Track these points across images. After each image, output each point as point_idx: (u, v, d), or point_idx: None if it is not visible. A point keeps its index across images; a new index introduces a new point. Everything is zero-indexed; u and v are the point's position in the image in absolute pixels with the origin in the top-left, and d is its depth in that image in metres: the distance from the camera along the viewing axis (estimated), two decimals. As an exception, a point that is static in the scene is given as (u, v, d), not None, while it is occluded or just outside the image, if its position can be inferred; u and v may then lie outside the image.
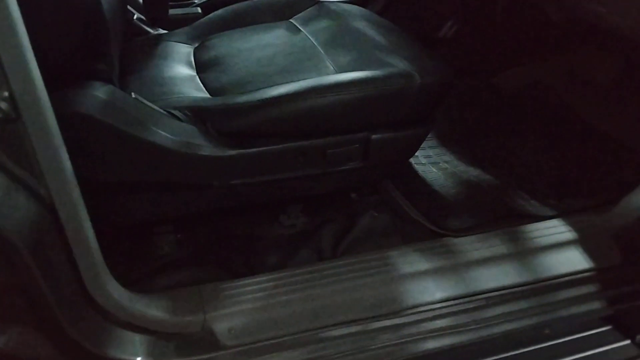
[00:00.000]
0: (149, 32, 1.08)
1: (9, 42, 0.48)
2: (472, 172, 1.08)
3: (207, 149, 0.72)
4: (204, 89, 0.87)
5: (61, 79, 0.64)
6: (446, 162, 1.16)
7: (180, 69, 0.94)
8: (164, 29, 1.10)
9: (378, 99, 0.77)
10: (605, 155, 1.10)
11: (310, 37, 0.98)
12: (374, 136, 0.79)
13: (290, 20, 1.09)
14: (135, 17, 1.07)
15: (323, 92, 0.75)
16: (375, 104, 0.77)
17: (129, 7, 1.08)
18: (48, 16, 0.59)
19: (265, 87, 0.80)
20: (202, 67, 0.95)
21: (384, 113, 0.79)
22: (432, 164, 1.15)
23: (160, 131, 0.68)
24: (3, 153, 0.51)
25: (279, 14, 1.12)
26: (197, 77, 0.92)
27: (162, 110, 0.73)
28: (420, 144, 0.89)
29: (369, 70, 0.81)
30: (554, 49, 1.29)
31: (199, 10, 1.20)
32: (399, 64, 0.82)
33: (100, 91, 0.66)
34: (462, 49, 1.33)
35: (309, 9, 1.12)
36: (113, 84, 0.72)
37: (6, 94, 0.49)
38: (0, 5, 0.46)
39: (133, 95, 0.71)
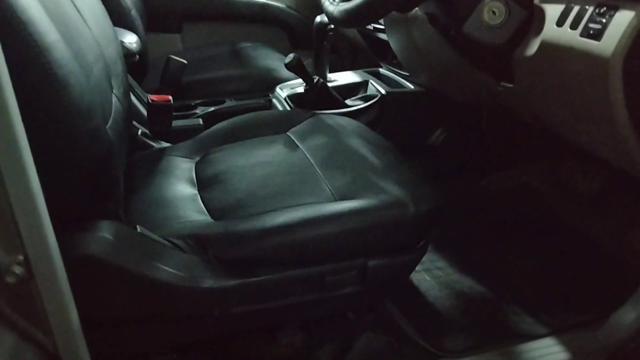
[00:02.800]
0: (152, 145, 1.12)
1: (27, 208, 0.51)
2: (465, 282, 1.10)
3: (209, 281, 0.74)
4: (205, 210, 0.90)
5: (68, 220, 0.66)
6: (439, 268, 1.18)
7: (182, 187, 0.98)
8: (167, 142, 1.15)
9: (373, 228, 0.80)
10: (594, 265, 1.13)
11: (307, 155, 1.03)
12: (370, 262, 0.82)
13: (288, 133, 1.14)
14: (139, 132, 1.12)
15: (320, 223, 0.79)
16: (370, 233, 0.81)
17: (134, 122, 1.14)
18: (60, 170, 0.62)
19: (265, 213, 0.84)
20: (203, 184, 0.99)
21: (380, 241, 0.82)
22: (426, 270, 1.17)
23: (164, 267, 0.70)
24: (14, 312, 0.53)
25: (277, 127, 1.17)
26: (199, 195, 0.95)
27: (165, 242, 0.76)
28: (416, 266, 0.92)
29: (364, 195, 0.85)
30: (539, 156, 1.35)
31: (201, 121, 1.26)
32: (392, 190, 0.86)
33: (107, 231, 0.68)
34: (451, 155, 1.39)
35: (305, 122, 1.17)
36: (119, 218, 0.75)
37: (21, 257, 0.51)
38: (19, 180, 0.49)
39: (138, 229, 0.74)
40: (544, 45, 0.85)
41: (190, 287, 0.72)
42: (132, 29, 1.29)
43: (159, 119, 1.11)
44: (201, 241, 0.79)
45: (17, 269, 0.51)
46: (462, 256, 1.21)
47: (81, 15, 0.92)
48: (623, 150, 0.82)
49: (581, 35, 0.77)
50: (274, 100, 1.40)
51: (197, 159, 1.09)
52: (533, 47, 0.88)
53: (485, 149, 1.41)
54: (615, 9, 0.73)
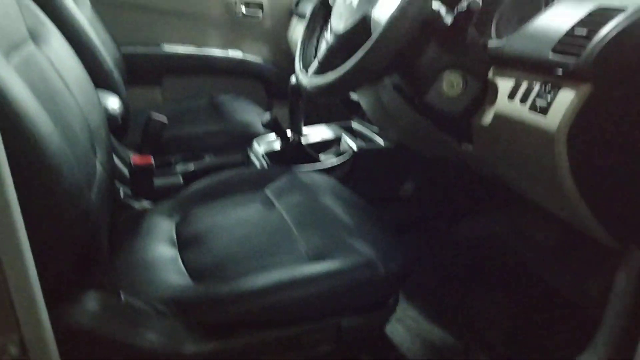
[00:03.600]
0: (134, 206, 1.16)
1: (24, 290, 0.55)
2: (436, 333, 1.16)
3: (192, 347, 0.77)
4: (185, 272, 0.94)
5: (56, 292, 0.70)
6: (412, 318, 1.23)
7: (163, 248, 1.02)
8: (148, 202, 1.19)
9: (346, 289, 0.86)
10: (558, 312, 1.20)
11: (283, 213, 1.08)
12: (344, 321, 0.87)
13: (265, 190, 1.20)
14: (122, 193, 1.16)
15: (296, 286, 0.84)
16: (343, 294, 0.86)
17: (116, 182, 1.18)
18: (49, 248, 0.66)
19: (243, 275, 0.88)
20: (183, 244, 1.03)
21: (352, 301, 0.87)
22: (399, 321, 1.22)
23: (149, 334, 0.74)
24: (7, 390, 0.56)
25: (254, 184, 1.23)
26: (179, 256, 1.00)
27: (148, 308, 0.79)
28: (388, 321, 0.97)
29: (336, 256, 0.91)
30: (503, 204, 1.43)
31: (181, 179, 1.31)
32: (363, 250, 0.92)
33: (94, 302, 0.72)
34: (420, 205, 1.46)
35: (281, 178, 1.23)
36: (104, 286, 0.78)
37: (16, 337, 0.55)
38: (17, 264, 0.53)
39: (122, 297, 0.78)
40: (497, 116, 0.93)
41: (174, 353, 0.75)
42: (114, 89, 1.35)
43: (140, 180, 1.16)
44: (182, 305, 0.83)
45: (13, 349, 0.54)
46: (433, 305, 1.26)
47: (67, 86, 0.97)
48: (573, 213, 0.90)
49: (530, 109, 0.86)
50: (252, 156, 1.46)
51: (178, 218, 1.14)
52: (488, 117, 0.96)
53: (452, 199, 1.48)
54: (559, 87, 0.82)
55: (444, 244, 1.46)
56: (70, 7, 1.30)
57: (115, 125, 1.23)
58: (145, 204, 1.19)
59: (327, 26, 1.14)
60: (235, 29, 2.08)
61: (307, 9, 1.92)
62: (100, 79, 1.31)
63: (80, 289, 0.74)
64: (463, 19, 0.86)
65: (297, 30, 2.02)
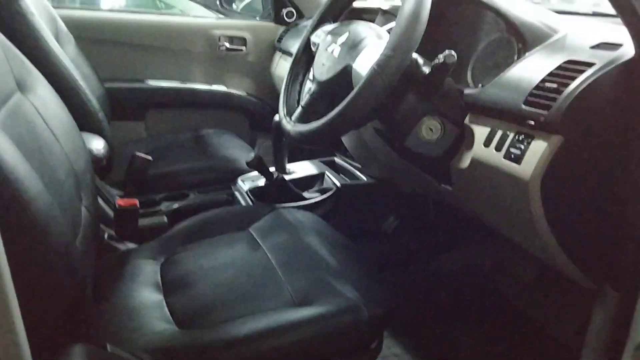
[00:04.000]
0: (118, 248, 1.16)
1: (12, 350, 0.55)
2: (421, 370, 1.17)
3: (177, 398, 0.78)
4: (170, 318, 0.95)
5: (41, 347, 0.70)
6: (396, 356, 1.24)
7: (148, 293, 1.02)
8: (133, 243, 1.20)
9: (330, 335, 0.87)
10: (538, 346, 1.22)
11: (268, 255, 1.10)
12: (330, 367, 0.88)
13: (250, 230, 1.21)
14: (106, 235, 1.17)
15: (281, 333, 0.85)
16: (328, 339, 0.87)
17: (101, 225, 1.18)
18: (36, 303, 0.67)
19: (229, 322, 0.89)
20: (168, 288, 1.04)
21: (337, 345, 0.89)
22: (383, 358, 1.23)
23: (135, 389, 0.74)
24: None
25: (239, 223, 1.24)
26: (164, 301, 1.00)
27: (135, 359, 0.80)
28: None
29: (321, 300, 0.92)
30: (484, 238, 1.46)
31: (165, 219, 1.31)
32: (348, 294, 0.93)
33: (80, 357, 0.72)
34: (402, 240, 1.49)
35: (266, 217, 1.25)
36: (90, 338, 0.79)
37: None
38: (7, 329, 0.53)
39: (109, 348, 0.78)
40: (474, 162, 0.97)
41: (160, 404, 0.76)
42: (98, 130, 1.36)
43: (125, 222, 1.16)
44: (169, 353, 0.83)
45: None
46: (417, 340, 1.28)
47: (53, 134, 0.98)
48: (548, 254, 0.93)
49: (504, 157, 0.89)
50: (236, 194, 1.47)
51: (163, 260, 1.14)
52: (466, 161, 0.99)
53: (434, 233, 1.51)
54: (532, 137, 0.86)
55: (426, 279, 1.49)
56: (56, 51, 1.31)
57: (100, 166, 1.23)
58: (130, 245, 1.19)
59: (309, 71, 1.17)
60: (219, 63, 2.11)
61: (290, 44, 1.97)
62: (85, 120, 1.32)
63: (66, 343, 0.74)
64: (440, 71, 0.90)
65: (280, 65, 2.06)
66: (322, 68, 1.01)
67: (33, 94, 0.98)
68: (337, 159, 1.64)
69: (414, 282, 1.48)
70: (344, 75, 0.95)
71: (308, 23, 2.00)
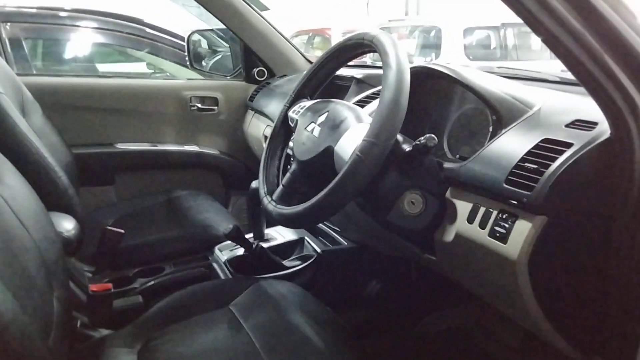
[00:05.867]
0: (92, 335, 1.10)
1: None
2: None
3: None
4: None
5: None
6: None
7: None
8: (107, 329, 1.14)
9: None
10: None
11: (252, 337, 1.06)
12: None
13: (230, 307, 1.17)
14: (79, 323, 1.11)
15: None
16: None
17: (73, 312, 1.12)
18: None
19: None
20: (148, 382, 0.98)
21: None
22: None
23: None
24: None
25: (218, 300, 1.19)
26: None
27: None
28: None
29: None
30: (468, 299, 1.46)
31: (140, 298, 1.26)
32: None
33: None
34: (386, 304, 1.46)
35: (246, 292, 1.21)
36: None
37: None
38: None
39: None
40: (458, 237, 0.96)
41: None
42: (68, 207, 1.31)
43: (99, 308, 1.11)
44: None
45: None
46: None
47: (23, 225, 0.94)
48: (535, 326, 0.92)
49: (489, 235, 0.89)
50: (214, 265, 1.43)
51: (139, 347, 1.08)
52: (449, 235, 0.99)
53: (417, 295, 1.50)
54: (516, 216, 0.86)
55: (411, 342, 1.46)
56: (23, 129, 1.27)
57: (71, 248, 1.18)
58: (104, 331, 1.13)
59: (287, 147, 1.16)
60: (191, 124, 2.09)
61: (262, 103, 1.97)
62: (54, 199, 1.27)
63: None
64: (420, 152, 0.90)
65: (252, 124, 2.05)
66: (303, 147, 1.00)
67: (1, 185, 0.94)
68: (315, 222, 1.62)
69: (399, 347, 1.45)
70: (326, 157, 0.94)
71: (279, 82, 2.04)
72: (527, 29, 0.75)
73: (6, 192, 0.94)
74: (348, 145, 0.90)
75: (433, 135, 0.86)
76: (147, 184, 2.03)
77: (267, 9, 2.97)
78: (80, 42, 3.09)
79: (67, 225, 1.18)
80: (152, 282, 1.41)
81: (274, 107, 1.83)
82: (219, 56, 2.51)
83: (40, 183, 1.25)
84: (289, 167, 1.18)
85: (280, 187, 1.03)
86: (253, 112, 2.06)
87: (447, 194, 1.00)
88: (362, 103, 1.28)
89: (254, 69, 2.09)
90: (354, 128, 0.93)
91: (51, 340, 0.84)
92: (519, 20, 0.75)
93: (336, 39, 8.38)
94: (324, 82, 1.15)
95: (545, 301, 0.88)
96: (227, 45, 2.37)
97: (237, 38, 2.04)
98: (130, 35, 2.92)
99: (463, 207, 0.96)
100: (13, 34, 2.57)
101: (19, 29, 2.63)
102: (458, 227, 0.97)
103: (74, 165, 1.73)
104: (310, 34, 9.06)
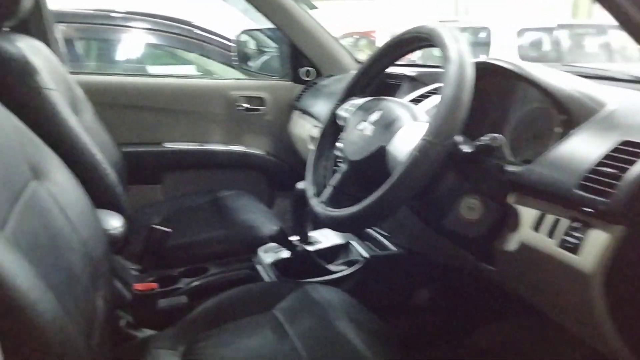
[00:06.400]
0: (136, 335, 1.09)
1: None
2: None
3: None
4: None
5: None
6: None
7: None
8: (150, 329, 1.12)
9: None
10: None
11: (296, 344, 1.01)
12: None
13: (274, 312, 1.13)
14: (122, 323, 1.10)
15: None
16: None
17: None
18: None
19: None
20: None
21: None
22: None
23: None
24: None
25: (262, 304, 1.16)
26: None
27: None
28: None
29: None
30: (522, 313, 1.37)
31: (185, 299, 1.24)
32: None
33: None
34: (436, 314, 1.39)
35: (291, 296, 1.17)
36: None
37: None
38: None
39: None
40: (522, 246, 0.89)
41: None
42: (116, 205, 1.31)
43: (144, 307, 1.09)
44: None
45: None
46: None
47: (70, 222, 0.93)
48: (606, 344, 0.84)
49: (558, 246, 0.81)
50: (258, 267, 1.40)
51: (183, 349, 1.06)
52: (512, 244, 0.92)
53: (468, 306, 1.42)
54: (589, 225, 0.78)
55: (461, 354, 1.38)
56: (73, 125, 1.28)
57: (117, 246, 1.17)
58: (148, 332, 1.12)
59: (336, 145, 1.11)
60: (237, 124, 2.08)
61: (309, 103, 1.93)
62: (102, 197, 1.27)
63: None
64: (483, 152, 0.83)
65: (298, 124, 2.02)
66: (354, 147, 0.95)
67: (49, 181, 0.94)
68: (362, 226, 1.56)
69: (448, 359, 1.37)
70: (378, 157, 0.89)
71: (326, 82, 2.00)
72: (583, 30, 0.67)
73: (54, 188, 0.94)
74: (403, 145, 0.84)
75: (498, 135, 0.80)
76: (193, 183, 2.03)
77: (315, 7, 2.94)
78: (130, 43, 3.16)
79: (114, 222, 1.17)
80: (197, 283, 1.39)
81: (321, 107, 1.79)
82: (267, 56, 2.50)
83: (88, 180, 1.25)
84: (337, 167, 1.14)
85: (330, 188, 0.98)
86: (299, 112, 2.02)
87: (509, 200, 0.93)
88: (414, 102, 1.22)
89: (301, 69, 2.06)
90: (409, 127, 0.87)
91: (94, 340, 0.83)
92: (575, 22, 0.67)
93: (382, 41, 8.30)
94: (376, 78, 1.10)
95: (620, 319, 0.80)
96: (275, 45, 2.35)
97: (285, 37, 2.02)
98: (179, 36, 2.95)
99: (527, 214, 0.89)
100: (67, 34, 2.64)
101: (73, 29, 2.70)
102: (522, 235, 0.89)
103: (122, 163, 1.74)
104: (356, 37, 9.01)
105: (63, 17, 2.67)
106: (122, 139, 1.82)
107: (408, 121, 0.88)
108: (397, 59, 1.05)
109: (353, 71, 2.00)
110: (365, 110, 0.99)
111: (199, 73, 3.29)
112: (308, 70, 2.06)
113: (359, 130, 0.96)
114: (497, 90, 1.14)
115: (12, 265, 0.60)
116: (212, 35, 3.12)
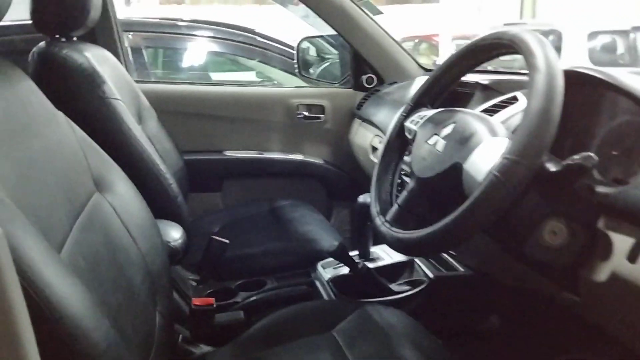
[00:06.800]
0: (193, 352, 1.07)
1: None
2: None
3: None
4: None
5: None
6: None
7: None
8: (208, 345, 1.10)
9: None
10: None
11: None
12: None
13: (334, 332, 1.08)
14: (180, 337, 1.08)
15: None
16: None
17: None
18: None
19: None
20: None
21: None
22: None
23: None
24: None
25: (321, 323, 1.11)
26: None
27: None
28: None
29: None
30: (602, 345, 1.24)
31: (242, 314, 1.21)
32: None
33: None
34: (508, 341, 1.29)
35: (351, 317, 1.11)
36: None
37: None
38: None
39: None
40: (614, 278, 0.79)
41: None
42: (177, 215, 1.30)
43: (201, 322, 1.07)
44: None
45: None
46: None
47: (131, 235, 0.92)
48: None
49: (663, 282, 0.71)
50: (317, 283, 1.35)
51: (239, 368, 1.03)
52: (602, 274, 0.82)
53: (543, 335, 1.30)
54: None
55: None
56: (138, 136, 1.28)
57: (177, 258, 1.16)
58: (205, 348, 1.10)
59: (402, 159, 1.05)
60: (296, 132, 2.05)
61: (370, 112, 1.87)
62: (164, 207, 1.27)
63: None
64: (573, 172, 0.74)
65: (359, 133, 1.96)
66: (423, 163, 0.88)
67: (111, 193, 0.93)
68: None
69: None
70: (452, 176, 0.82)
71: (389, 89, 1.93)
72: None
73: (116, 201, 0.93)
74: (481, 163, 0.77)
75: (591, 154, 0.71)
76: (252, 191, 2.03)
77: (380, 12, 2.88)
78: (194, 51, 3.22)
79: (174, 234, 1.16)
80: (254, 298, 1.36)
81: (384, 116, 1.73)
82: (327, 63, 2.46)
83: (150, 190, 1.25)
84: (399, 180, 1.07)
85: (396, 206, 0.92)
86: (360, 120, 1.97)
87: (599, 224, 0.83)
88: (489, 113, 1.13)
89: (363, 76, 2.00)
90: (488, 143, 0.79)
91: (151, 358, 0.81)
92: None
93: (445, 45, 8.10)
94: (447, 89, 1.03)
95: None
96: (336, 52, 2.31)
97: (347, 44, 1.96)
98: (241, 44, 2.97)
99: (621, 242, 0.79)
100: (135, 42, 2.72)
101: (140, 37, 2.78)
102: (615, 265, 0.79)
103: (184, 171, 1.75)
104: (417, 41, 8.84)
105: (131, 26, 2.75)
106: (184, 147, 1.83)
107: (486, 137, 0.80)
108: (472, 68, 0.98)
109: (419, 78, 1.94)
110: (436, 123, 0.92)
111: (260, 79, 3.31)
112: (370, 77, 2.00)
113: (430, 145, 0.89)
114: (582, 101, 1.04)
115: (67, 291, 0.58)
116: (274, 42, 3.13)
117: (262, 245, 1.55)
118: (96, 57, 1.34)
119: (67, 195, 0.76)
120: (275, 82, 3.14)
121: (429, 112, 0.98)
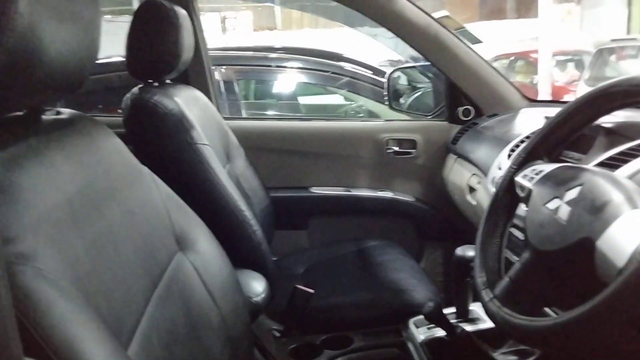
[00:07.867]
0: None
1: None
2: None
3: None
4: None
5: None
6: None
7: None
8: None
9: None
10: None
11: None
12: None
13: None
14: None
15: None
16: None
17: None
18: None
19: None
20: None
21: None
22: None
23: None
24: None
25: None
26: None
27: None
28: None
29: None
30: None
31: (327, 377, 1.12)
32: None
33: None
34: None
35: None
36: None
37: None
38: None
39: None
40: None
41: None
42: (260, 265, 1.24)
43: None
44: None
45: None
46: None
47: (211, 296, 0.87)
48: None
49: None
50: (409, 344, 1.23)
51: None
52: None
53: None
54: None
55: None
56: (224, 182, 1.25)
57: (259, 314, 1.10)
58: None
59: (512, 219, 0.91)
60: (386, 168, 1.95)
61: (468, 148, 1.73)
62: (247, 256, 1.22)
63: None
64: None
65: (454, 170, 1.82)
66: (541, 232, 0.75)
67: (193, 252, 0.89)
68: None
69: None
70: (580, 252, 0.67)
71: (488, 123, 1.77)
72: None
73: (198, 260, 0.88)
74: (622, 242, 0.62)
75: None
76: (339, 229, 1.95)
77: (480, 41, 2.72)
78: (284, 82, 3.25)
79: (257, 287, 1.10)
80: (340, 358, 1.27)
81: (483, 153, 1.58)
82: (419, 92, 2.35)
83: (234, 237, 1.21)
84: (513, 248, 0.93)
85: (507, 280, 0.79)
86: (456, 156, 1.82)
87: None
88: (614, 162, 0.96)
89: (459, 108, 1.86)
90: (628, 216, 0.65)
91: None
92: None
93: (544, 62, 7.63)
94: (567, 140, 0.88)
95: None
96: (428, 81, 2.19)
97: (442, 74, 1.84)
98: (330, 74, 2.95)
99: None
100: (227, 76, 2.77)
101: (233, 71, 2.83)
102: None
103: (271, 209, 1.72)
104: (512, 58, 8.41)
105: (225, 60, 2.81)
106: (271, 183, 1.80)
107: (625, 208, 0.65)
108: (597, 118, 0.83)
109: (523, 110, 1.76)
110: (557, 182, 0.78)
111: (347, 102, 3.27)
112: (467, 110, 1.86)
113: (550, 210, 0.75)
114: None
115: None
116: (362, 68, 3.07)
117: (348, 295, 1.45)
118: (186, 100, 1.34)
119: (145, 265, 0.72)
120: (364, 117, 3.06)
121: (545, 167, 0.84)
